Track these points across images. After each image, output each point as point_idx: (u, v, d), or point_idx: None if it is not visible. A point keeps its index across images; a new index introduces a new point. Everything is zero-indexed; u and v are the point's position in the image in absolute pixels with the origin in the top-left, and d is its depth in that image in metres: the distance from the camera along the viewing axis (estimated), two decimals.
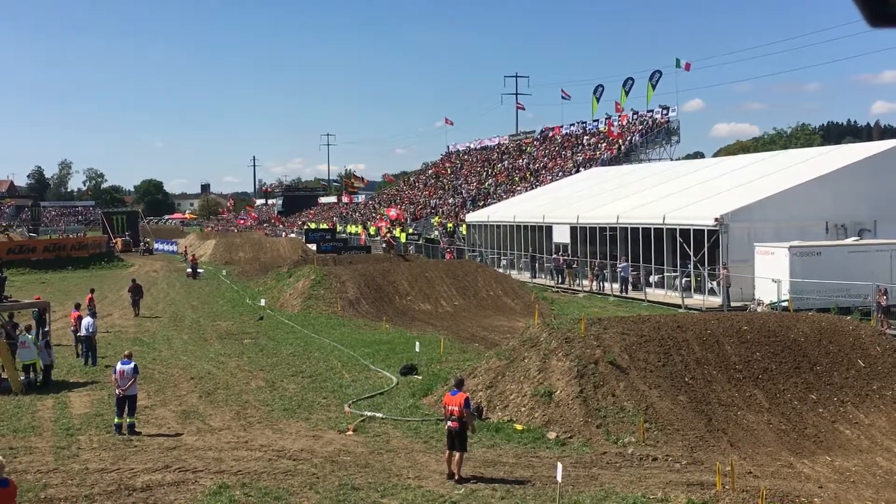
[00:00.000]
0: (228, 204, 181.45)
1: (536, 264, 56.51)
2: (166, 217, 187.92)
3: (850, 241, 39.56)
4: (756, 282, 37.71)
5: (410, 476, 15.91)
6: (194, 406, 22.20)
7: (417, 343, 28.39)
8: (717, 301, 39.33)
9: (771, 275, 36.10)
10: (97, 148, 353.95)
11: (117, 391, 19.69)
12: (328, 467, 16.50)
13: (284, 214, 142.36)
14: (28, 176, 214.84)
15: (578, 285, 49.78)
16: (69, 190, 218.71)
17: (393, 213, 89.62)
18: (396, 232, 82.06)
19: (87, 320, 28.76)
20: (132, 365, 19.91)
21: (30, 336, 25.41)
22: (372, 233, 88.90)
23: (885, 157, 43.94)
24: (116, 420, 19.52)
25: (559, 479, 13.58)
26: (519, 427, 18.83)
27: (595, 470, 16.20)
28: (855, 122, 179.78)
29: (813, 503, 13.49)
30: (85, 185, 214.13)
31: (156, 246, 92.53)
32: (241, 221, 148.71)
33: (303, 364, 27.68)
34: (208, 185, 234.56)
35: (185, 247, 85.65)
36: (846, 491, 14.66)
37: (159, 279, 59.96)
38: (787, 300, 33.69)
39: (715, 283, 40.55)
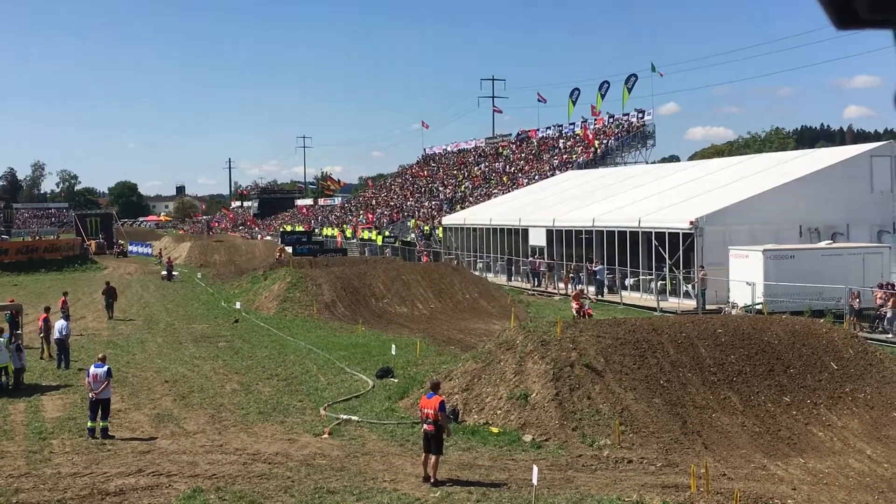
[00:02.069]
0: (202, 206, 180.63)
1: (512, 267, 56.59)
2: (141, 219, 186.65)
3: (823, 244, 39.87)
4: (731, 285, 37.94)
5: (386, 479, 15.87)
6: (168, 409, 22.05)
7: (393, 346, 28.35)
8: (692, 304, 39.53)
9: (745, 278, 36.33)
10: (71, 149, 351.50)
11: (91, 395, 19.54)
12: (303, 471, 16.44)
13: (260, 217, 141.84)
14: (0, 177, 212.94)
15: (555, 288, 49.91)
16: (42, 192, 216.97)
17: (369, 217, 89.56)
18: (372, 235, 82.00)
19: (60, 323, 28.52)
20: (105, 368, 19.76)
21: (1, 339, 25.16)
22: (348, 235, 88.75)
23: (857, 161, 44.35)
24: (90, 424, 19.35)
25: (535, 481, 13.60)
26: (495, 430, 18.84)
27: (570, 472, 16.22)
28: (828, 126, 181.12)
29: None
30: (58, 187, 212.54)
31: (130, 248, 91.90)
32: (216, 224, 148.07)
33: (278, 367, 27.57)
34: (183, 186, 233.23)
35: (160, 249, 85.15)
36: (819, 493, 14.76)
37: (133, 282, 59.56)
38: (762, 303, 33.91)
39: (690, 286, 40.77)
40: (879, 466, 16.77)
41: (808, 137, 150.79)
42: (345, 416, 20.75)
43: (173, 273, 61.31)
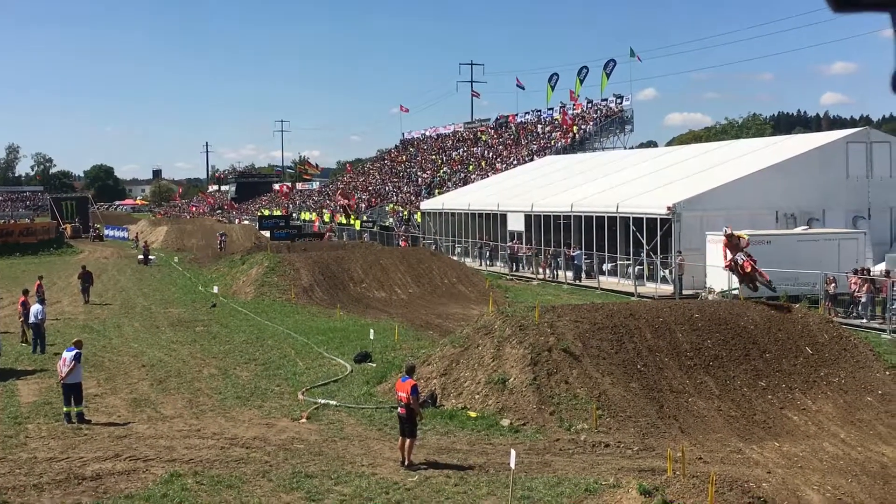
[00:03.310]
0: (179, 190, 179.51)
1: (490, 252, 56.66)
2: (117, 203, 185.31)
3: (799, 230, 40.14)
4: (708, 270, 38.12)
5: (364, 463, 15.90)
6: (145, 394, 21.97)
7: (372, 330, 28.34)
8: (669, 289, 39.72)
9: (722, 263, 36.46)
10: (45, 132, 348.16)
11: (60, 377, 19.45)
12: (281, 455, 16.43)
13: (238, 201, 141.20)
14: None
15: (533, 273, 50.03)
16: (17, 175, 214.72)
17: (342, 200, 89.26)
18: (350, 220, 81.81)
19: (35, 307, 28.32)
20: (74, 352, 19.57)
21: None
22: (326, 220, 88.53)
23: (833, 147, 44.62)
24: (65, 409, 19.25)
25: (513, 465, 13.65)
26: (473, 414, 18.89)
27: (548, 456, 16.30)
28: (805, 112, 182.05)
29: (762, 488, 13.68)
30: (33, 170, 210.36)
31: (106, 232, 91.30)
32: (194, 208, 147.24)
33: (256, 352, 27.51)
34: (160, 170, 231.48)
35: (137, 233, 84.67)
36: (794, 476, 14.90)
37: (110, 266, 59.19)
38: (738, 288, 34.10)
39: (667, 271, 40.95)
40: (853, 450, 16.94)
41: (786, 124, 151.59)
42: (323, 401, 20.75)
43: (150, 257, 60.97)
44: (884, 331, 29.84)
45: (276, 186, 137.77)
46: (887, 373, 20.90)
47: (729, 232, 25.86)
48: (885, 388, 20.15)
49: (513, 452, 13.93)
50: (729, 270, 26.05)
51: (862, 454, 16.64)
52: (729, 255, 24.86)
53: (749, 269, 24.03)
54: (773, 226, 41.32)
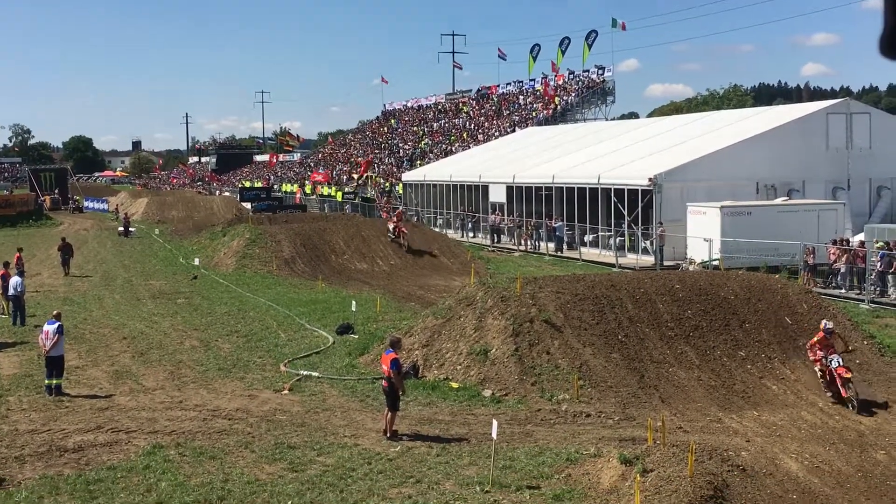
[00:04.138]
0: (160, 161, 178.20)
1: (472, 224, 56.66)
2: (96, 175, 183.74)
3: (779, 201, 40.34)
4: (688, 241, 38.28)
5: (347, 434, 15.95)
6: (127, 366, 21.92)
7: (353, 302, 28.34)
8: (650, 260, 39.88)
9: (703, 234, 36.67)
10: (23, 103, 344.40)
11: (44, 351, 19.39)
12: (264, 426, 16.47)
13: (218, 173, 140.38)
14: None
15: (515, 244, 50.11)
16: None
17: (319, 176, 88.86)
18: (333, 191, 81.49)
19: (15, 279, 28.15)
20: (56, 325, 19.50)
21: None
22: (308, 192, 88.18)
23: (813, 118, 44.78)
24: (46, 381, 19.19)
25: (494, 436, 13.73)
26: (455, 385, 18.96)
27: (530, 427, 16.40)
28: (786, 83, 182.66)
29: (741, 456, 13.83)
30: (11, 142, 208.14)
31: (86, 204, 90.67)
32: (174, 179, 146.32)
33: (238, 323, 27.47)
34: (139, 142, 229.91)
35: (117, 205, 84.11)
36: (772, 444, 15.06)
37: (90, 238, 58.83)
38: (718, 259, 34.29)
39: (648, 242, 41.10)
40: (831, 418, 17.12)
41: (766, 95, 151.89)
42: (305, 373, 20.77)
43: (130, 229, 60.62)
44: (862, 301, 30.09)
45: (265, 157, 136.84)
46: (865, 342, 21.10)
47: (829, 328, 19.00)
48: (863, 357, 20.35)
49: (495, 423, 14.00)
50: (818, 370, 18.94)
51: (839, 423, 16.82)
52: (819, 353, 18.70)
53: (847, 375, 18.02)
54: (753, 197, 41.52)
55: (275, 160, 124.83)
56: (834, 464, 14.23)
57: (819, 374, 18.80)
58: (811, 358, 18.99)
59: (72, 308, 29.95)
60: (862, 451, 14.77)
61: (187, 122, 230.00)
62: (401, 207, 51.99)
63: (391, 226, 43.72)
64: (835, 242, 33.84)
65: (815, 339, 18.85)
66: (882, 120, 46.88)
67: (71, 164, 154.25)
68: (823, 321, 19.49)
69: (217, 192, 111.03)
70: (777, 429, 16.34)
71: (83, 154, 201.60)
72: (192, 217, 72.98)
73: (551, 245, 46.70)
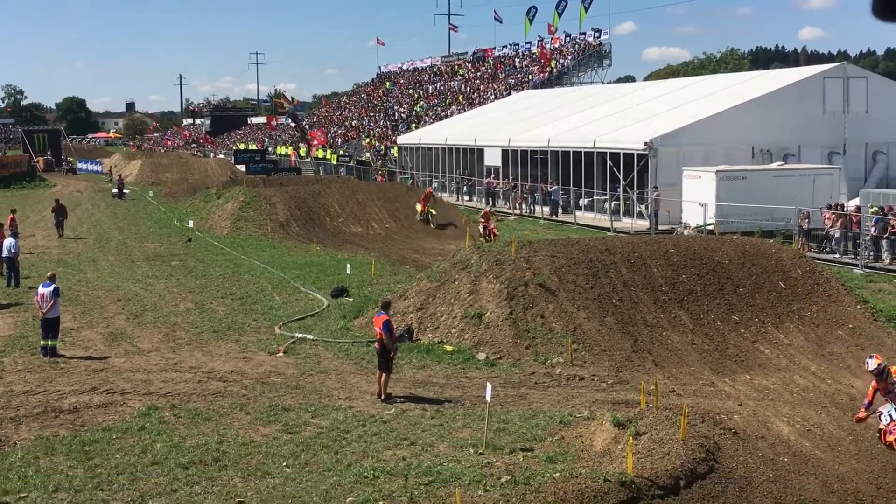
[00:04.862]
0: (154, 124, 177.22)
1: (467, 187, 56.57)
2: (90, 136, 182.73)
3: (774, 165, 40.28)
4: (683, 205, 38.27)
5: (341, 397, 16.02)
6: (122, 328, 21.95)
7: (348, 265, 28.35)
8: (645, 224, 39.88)
9: (698, 198, 36.64)
10: (16, 63, 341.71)
11: (41, 313, 19.40)
12: (258, 388, 16.53)
13: (212, 135, 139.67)
14: None
15: (510, 208, 50.08)
16: None
17: (317, 138, 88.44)
18: (327, 154, 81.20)
19: (8, 241, 28.09)
20: (52, 287, 19.50)
21: None
22: (303, 154, 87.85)
23: (809, 82, 44.59)
24: (42, 342, 19.22)
25: (488, 398, 13.79)
26: (449, 348, 19.02)
27: (523, 390, 16.48)
28: (783, 47, 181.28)
29: (733, 420, 13.91)
30: (3, 102, 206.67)
31: (79, 166, 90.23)
32: (168, 141, 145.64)
33: (232, 286, 27.47)
34: (133, 103, 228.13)
35: (111, 167, 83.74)
36: (764, 408, 15.15)
37: (83, 200, 58.66)
38: (713, 223, 34.30)
39: (643, 206, 41.08)
40: (823, 382, 17.22)
41: (763, 58, 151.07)
42: (300, 335, 20.81)
43: (124, 191, 60.45)
44: (856, 265, 30.16)
45: (260, 119, 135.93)
46: (858, 307, 21.17)
47: (882, 366, 13.99)
48: (856, 322, 20.43)
49: (489, 386, 14.06)
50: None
51: (831, 386, 16.92)
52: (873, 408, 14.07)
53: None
54: (748, 161, 41.46)
55: (274, 122, 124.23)
56: (825, 427, 14.33)
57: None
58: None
59: (66, 270, 29.92)
60: (853, 415, 14.87)
61: (181, 84, 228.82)
62: (430, 187, 50.68)
63: (419, 207, 42.76)
64: (830, 207, 33.86)
65: (871, 388, 14.02)
66: (879, 84, 46.70)
67: (64, 125, 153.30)
68: (867, 359, 14.36)
69: (211, 154, 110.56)
70: (769, 392, 16.43)
71: (76, 115, 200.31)
72: (187, 179, 72.73)
73: (546, 209, 46.66)
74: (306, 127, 75.02)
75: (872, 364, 13.90)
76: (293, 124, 74.19)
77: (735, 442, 12.98)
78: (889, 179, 43.65)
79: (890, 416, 13.46)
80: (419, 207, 42.38)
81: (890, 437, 13.42)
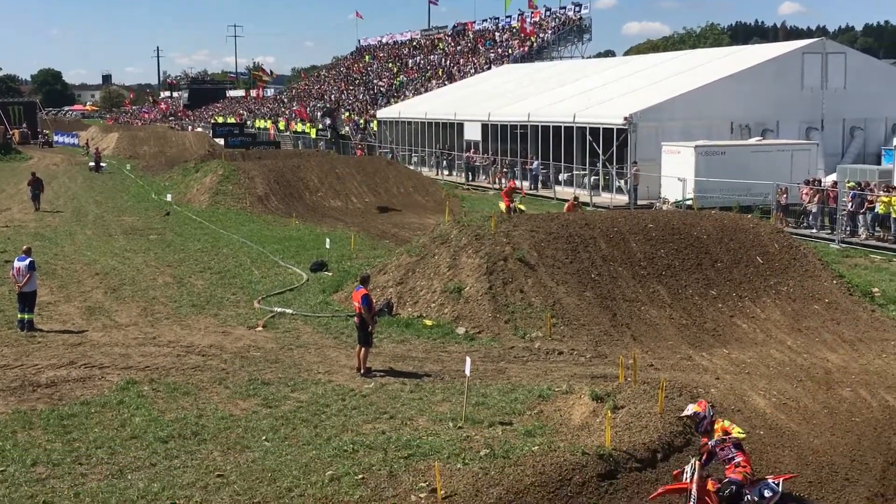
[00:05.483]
0: (131, 95, 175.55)
1: (447, 161, 56.48)
2: (66, 108, 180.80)
3: (752, 140, 40.40)
4: (662, 180, 38.36)
5: (321, 371, 16.03)
6: (99, 302, 21.84)
7: (328, 239, 28.30)
8: (624, 199, 39.98)
9: (677, 173, 36.73)
10: None
11: (17, 287, 19.28)
12: (238, 363, 16.51)
13: (190, 108, 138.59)
14: None
15: (490, 182, 50.04)
16: None
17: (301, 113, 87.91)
18: (307, 128, 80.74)
19: None
20: (28, 261, 19.37)
21: None
22: (281, 128, 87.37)
23: (788, 58, 44.72)
24: (19, 315, 19.11)
25: (468, 372, 13.83)
26: (429, 322, 19.04)
27: (503, 364, 16.54)
28: (762, 22, 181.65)
29: (710, 393, 14.02)
30: None
31: (56, 138, 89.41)
32: (146, 114, 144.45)
33: (211, 260, 27.37)
34: (109, 75, 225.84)
35: (87, 140, 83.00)
36: (741, 382, 15.27)
37: (60, 173, 58.15)
38: (692, 198, 34.41)
39: (623, 181, 41.15)
40: (799, 356, 17.36)
41: (743, 34, 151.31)
42: (279, 309, 20.78)
43: (101, 164, 59.94)
44: (832, 241, 30.37)
45: (238, 92, 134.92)
46: (834, 282, 21.32)
47: (701, 416, 11.21)
48: (832, 296, 20.58)
49: (468, 360, 14.10)
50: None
51: (807, 360, 17.06)
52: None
53: None
54: (727, 136, 41.59)
55: (261, 93, 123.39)
56: (801, 401, 14.46)
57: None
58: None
59: (43, 244, 29.70)
60: (828, 389, 15.02)
61: (158, 57, 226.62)
62: (511, 179, 43.32)
63: (503, 205, 33.01)
64: (807, 182, 34.04)
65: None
66: (857, 60, 46.89)
67: (40, 97, 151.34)
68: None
69: (189, 127, 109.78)
70: (746, 366, 16.56)
71: (52, 87, 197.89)
72: (165, 153, 72.20)
73: (527, 184, 46.67)
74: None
75: (689, 410, 11.06)
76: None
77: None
78: (866, 155, 43.92)
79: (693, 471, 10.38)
80: (503, 205, 32.81)
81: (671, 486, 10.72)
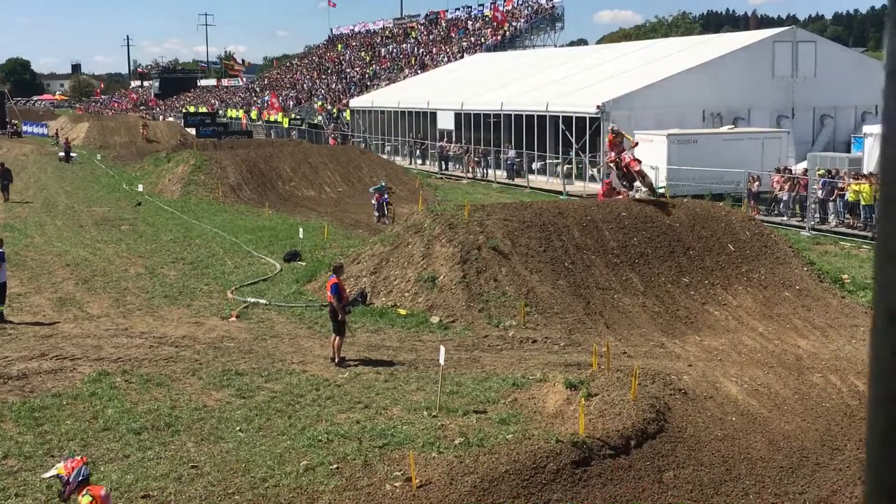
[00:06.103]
0: (101, 85, 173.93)
1: (420, 151, 56.42)
2: (35, 98, 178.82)
3: (724, 129, 40.64)
4: None
5: (294, 361, 16.00)
6: (71, 293, 21.66)
7: (301, 229, 28.20)
8: (597, 188, 40.04)
9: (650, 162, 36.79)
10: None
11: None
12: (211, 353, 16.44)
13: (161, 97, 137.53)
14: None
15: (463, 171, 50.05)
16: None
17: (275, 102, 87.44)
18: (280, 118, 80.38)
19: None
20: None
21: None
22: (254, 117, 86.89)
23: (759, 47, 44.98)
24: None
25: (442, 361, 13.85)
26: (403, 312, 19.04)
27: (477, 352, 16.57)
28: (734, 11, 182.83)
29: (682, 380, 14.13)
30: None
31: (24, 128, 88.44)
32: (116, 104, 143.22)
33: (183, 251, 27.21)
34: (79, 65, 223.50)
35: (57, 129, 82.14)
36: (713, 368, 15.40)
37: (29, 163, 57.54)
38: (664, 187, 34.54)
39: (596, 170, 41.26)
40: (770, 343, 17.52)
41: (714, 22, 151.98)
42: (252, 300, 20.71)
43: (71, 154, 59.36)
44: (803, 228, 30.64)
45: (210, 81, 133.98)
46: (805, 269, 21.52)
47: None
48: (803, 283, 20.77)
49: (442, 349, 14.12)
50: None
51: (779, 347, 17.22)
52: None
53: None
54: (699, 125, 41.78)
55: (243, 79, 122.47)
56: (772, 387, 14.60)
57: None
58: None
59: (12, 234, 29.39)
60: (799, 375, 15.17)
61: (128, 45, 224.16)
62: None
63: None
64: (778, 170, 34.29)
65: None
66: (827, 48, 47.23)
67: (8, 87, 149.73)
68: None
69: (160, 117, 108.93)
70: (718, 353, 16.69)
71: (20, 77, 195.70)
72: (135, 143, 71.58)
73: (500, 173, 46.71)
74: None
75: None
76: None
77: (684, 402, 13.19)
78: (836, 143, 44.26)
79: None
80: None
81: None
